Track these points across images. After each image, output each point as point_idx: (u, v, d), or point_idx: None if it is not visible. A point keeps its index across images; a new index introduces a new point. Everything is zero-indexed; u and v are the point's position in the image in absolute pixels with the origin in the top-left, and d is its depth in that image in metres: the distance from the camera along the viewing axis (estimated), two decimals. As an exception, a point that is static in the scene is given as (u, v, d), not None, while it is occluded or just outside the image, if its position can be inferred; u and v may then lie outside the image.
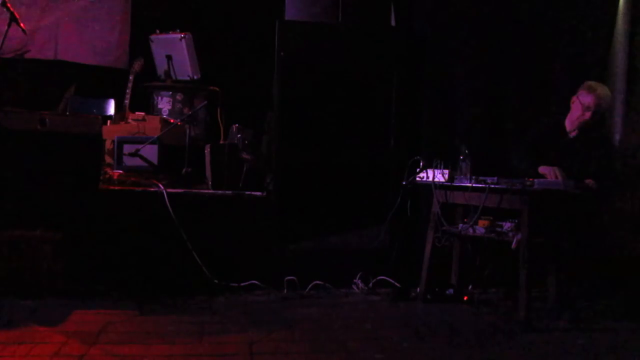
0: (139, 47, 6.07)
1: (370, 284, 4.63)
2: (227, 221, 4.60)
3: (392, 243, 4.78)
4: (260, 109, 5.58)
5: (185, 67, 5.85)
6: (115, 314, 3.77)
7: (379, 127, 4.89)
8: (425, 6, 5.10)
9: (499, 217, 4.09)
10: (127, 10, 6.36)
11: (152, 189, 4.58)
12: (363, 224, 4.81)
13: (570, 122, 4.28)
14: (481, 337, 3.62)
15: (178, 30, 5.83)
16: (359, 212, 4.80)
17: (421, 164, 4.39)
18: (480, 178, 3.97)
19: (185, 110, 5.70)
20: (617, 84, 4.86)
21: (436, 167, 4.25)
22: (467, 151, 4.17)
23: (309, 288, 4.54)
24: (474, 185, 4.00)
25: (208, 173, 4.89)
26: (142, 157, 4.93)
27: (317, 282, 4.58)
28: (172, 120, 5.44)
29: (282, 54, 4.73)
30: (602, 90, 4.21)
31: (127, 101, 5.63)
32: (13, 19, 4.98)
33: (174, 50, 5.84)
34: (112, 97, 5.96)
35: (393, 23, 5.14)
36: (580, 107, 4.21)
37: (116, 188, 4.65)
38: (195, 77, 5.87)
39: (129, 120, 5.44)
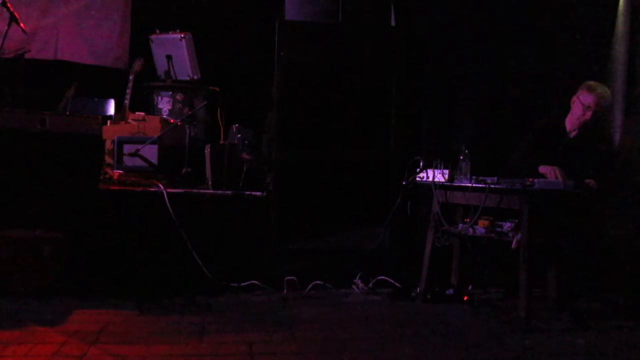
0: (139, 47, 6.07)
1: (370, 284, 4.63)
2: (227, 221, 4.60)
3: (392, 243, 4.79)
4: (260, 109, 5.58)
5: (185, 67, 5.85)
6: (115, 314, 3.77)
7: (379, 127, 4.89)
8: (425, 6, 5.10)
9: (499, 217, 4.09)
10: (127, 10, 6.36)
11: (152, 189, 4.58)
12: (363, 224, 4.81)
13: (571, 122, 4.28)
14: (481, 337, 3.62)
15: (178, 30, 5.83)
16: (359, 212, 4.80)
17: (421, 164, 4.39)
18: (480, 178, 3.97)
19: (185, 110, 5.70)
20: (617, 84, 4.86)
21: (436, 167, 4.25)
22: (467, 151, 4.17)
23: (309, 288, 4.54)
24: (474, 185, 4.00)
25: (208, 173, 4.90)
26: (142, 157, 4.93)
27: (317, 282, 4.58)
28: (172, 120, 5.44)
29: (282, 54, 4.73)
30: (603, 89, 4.22)
31: (127, 101, 5.63)
32: (13, 19, 4.97)
33: (174, 50, 5.84)
34: (112, 97, 5.96)
35: (393, 23, 5.13)
36: (580, 107, 4.21)
37: (116, 188, 4.65)
38: (195, 77, 5.87)
39: (129, 120, 5.44)
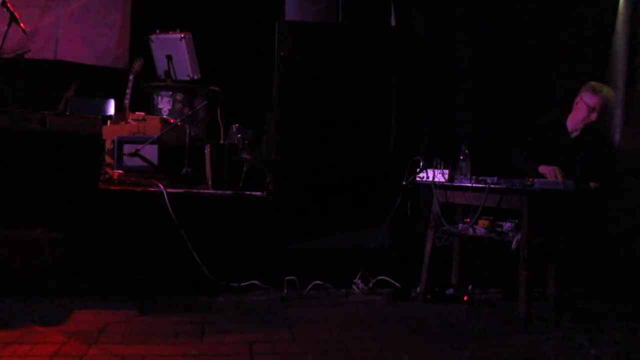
0: (139, 47, 6.07)
1: (370, 284, 4.63)
2: (227, 221, 4.60)
3: (392, 243, 4.79)
4: (260, 109, 5.58)
5: (185, 67, 5.85)
6: (115, 314, 3.77)
7: (379, 127, 4.89)
8: (425, 6, 5.10)
9: (499, 217, 4.09)
10: (127, 11, 6.36)
11: (152, 189, 4.58)
12: (363, 224, 4.81)
13: (574, 123, 4.28)
14: (481, 337, 3.62)
15: (178, 30, 5.83)
16: (359, 212, 4.80)
17: (421, 164, 4.39)
18: (480, 178, 3.97)
19: (185, 110, 5.70)
20: (617, 83, 4.86)
21: (436, 167, 4.25)
22: (467, 151, 4.18)
23: (309, 288, 4.54)
24: (474, 185, 4.00)
25: (208, 173, 4.90)
26: (142, 157, 4.92)
27: (317, 282, 4.58)
28: (172, 120, 5.44)
29: (282, 54, 4.72)
30: (607, 91, 4.22)
31: (127, 101, 5.63)
32: (13, 19, 4.98)
33: (174, 50, 5.84)
34: (112, 97, 5.96)
35: (393, 23, 5.14)
36: (585, 109, 4.20)
37: (116, 188, 4.65)
38: (195, 77, 5.86)
39: (129, 120, 5.44)
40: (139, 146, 4.92)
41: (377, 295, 4.54)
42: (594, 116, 4.18)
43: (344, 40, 4.85)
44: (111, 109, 5.94)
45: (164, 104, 5.81)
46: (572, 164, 4.12)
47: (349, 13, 5.00)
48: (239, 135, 5.11)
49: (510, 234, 3.96)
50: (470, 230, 4.16)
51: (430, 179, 4.26)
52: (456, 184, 4.16)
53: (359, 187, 4.81)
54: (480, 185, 3.96)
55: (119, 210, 4.43)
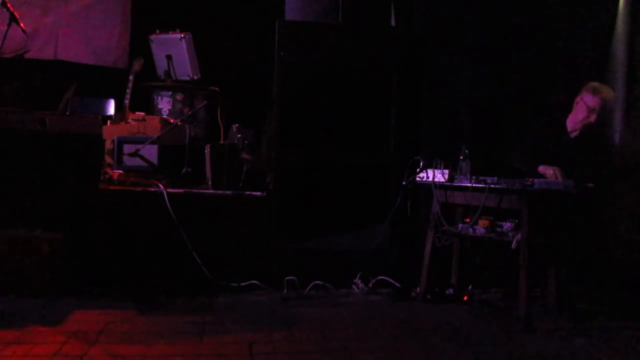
0: (139, 47, 6.07)
1: (370, 284, 4.63)
2: (227, 221, 4.60)
3: (392, 243, 4.79)
4: (260, 109, 5.58)
5: (185, 67, 5.84)
6: (115, 314, 3.76)
7: (379, 127, 4.89)
8: (425, 6, 5.10)
9: (499, 217, 4.09)
10: (127, 10, 6.36)
11: (152, 189, 4.58)
12: (363, 224, 4.80)
13: (573, 123, 4.28)
14: (481, 337, 3.62)
15: (178, 30, 5.83)
16: (359, 212, 4.79)
17: (421, 164, 4.40)
18: (480, 178, 3.97)
19: (185, 110, 5.70)
20: (617, 84, 4.86)
21: (436, 167, 4.25)
22: (467, 151, 4.18)
23: (309, 288, 4.54)
24: (474, 185, 4.00)
25: (208, 173, 4.89)
26: (142, 157, 4.92)
27: (317, 282, 4.58)
28: (172, 120, 5.44)
29: (282, 54, 4.72)
30: (608, 92, 4.21)
31: (127, 101, 5.63)
32: (13, 19, 4.97)
33: (174, 50, 5.84)
34: (112, 97, 5.96)
35: (393, 23, 5.14)
36: (585, 109, 4.20)
37: (116, 188, 4.65)
38: (195, 77, 5.86)
39: (129, 120, 5.44)
40: (139, 146, 4.91)
41: (377, 295, 4.54)
42: (593, 117, 4.18)
43: (344, 40, 4.85)
44: (111, 109, 5.94)
45: (164, 104, 5.81)
46: (572, 164, 4.11)
47: (349, 13, 4.99)
48: (239, 135, 5.11)
49: (510, 234, 3.96)
50: (470, 230, 4.16)
51: (430, 179, 4.26)
52: (456, 184, 4.16)
53: (359, 187, 4.81)
54: (480, 185, 3.96)
55: (119, 210, 4.43)
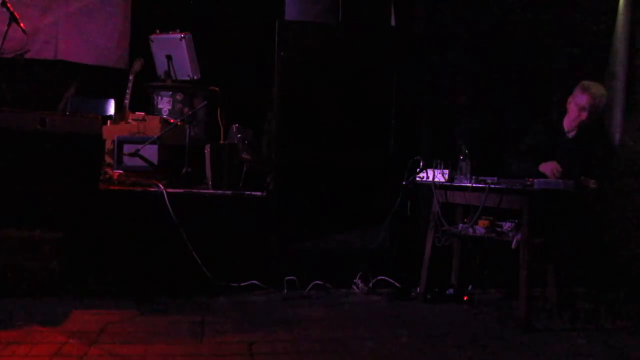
0: (139, 47, 6.06)
1: (370, 284, 4.63)
2: (227, 221, 4.60)
3: (392, 243, 4.79)
4: (260, 109, 5.58)
5: (185, 67, 5.84)
6: (115, 314, 3.77)
7: (379, 127, 4.89)
8: (425, 6, 5.10)
9: (499, 217, 4.09)
10: (127, 10, 6.36)
11: (152, 189, 4.58)
12: (363, 224, 4.80)
13: (568, 123, 4.29)
14: (481, 337, 3.62)
15: (178, 30, 5.82)
16: (358, 212, 4.80)
17: (421, 164, 4.40)
18: (480, 178, 3.98)
19: (185, 110, 5.69)
20: (617, 84, 4.86)
21: (436, 167, 4.25)
22: (467, 151, 4.18)
23: (309, 288, 4.54)
24: (474, 185, 4.01)
25: (208, 173, 4.89)
26: (142, 157, 4.92)
27: (317, 282, 4.58)
28: (172, 120, 5.44)
29: (282, 54, 4.72)
30: (596, 89, 4.21)
31: (127, 101, 5.63)
32: (13, 19, 4.97)
33: (174, 50, 5.83)
34: (112, 97, 5.95)
35: (393, 23, 5.13)
36: (576, 108, 4.21)
37: (116, 188, 4.65)
38: (195, 77, 5.86)
39: (129, 120, 5.43)
40: (139, 146, 4.91)
41: (377, 295, 4.54)
42: (584, 115, 4.18)
43: (344, 40, 4.85)
44: (111, 109, 5.93)
45: (164, 104, 5.80)
46: (571, 164, 4.12)
47: (349, 13, 4.99)
48: (239, 135, 5.11)
49: (510, 234, 3.96)
50: (470, 230, 4.16)
51: (430, 179, 4.26)
52: (456, 184, 4.16)
53: (359, 187, 4.81)
54: (480, 185, 3.96)
55: (119, 210, 4.42)
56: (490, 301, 4.44)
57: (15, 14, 4.99)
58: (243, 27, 6.25)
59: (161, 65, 5.94)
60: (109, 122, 5.59)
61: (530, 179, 3.78)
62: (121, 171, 4.91)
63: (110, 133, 5.11)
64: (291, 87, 4.77)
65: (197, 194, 4.67)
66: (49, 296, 3.98)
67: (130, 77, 5.69)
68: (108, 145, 5.07)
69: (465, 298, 4.38)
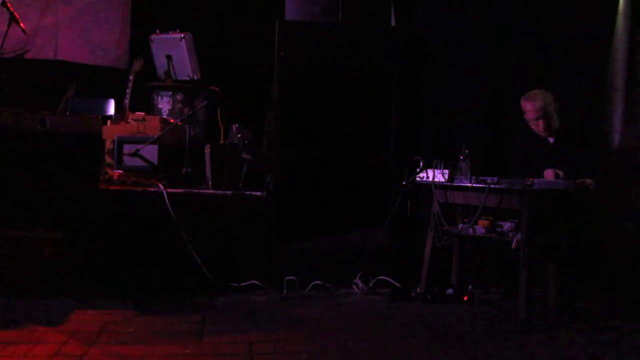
0: (139, 47, 6.06)
1: (370, 284, 4.63)
2: (227, 221, 4.60)
3: (392, 243, 4.79)
4: (260, 109, 5.58)
5: (185, 67, 5.84)
6: (115, 314, 3.77)
7: (379, 127, 4.89)
8: (425, 6, 5.10)
9: (499, 217, 4.09)
10: (127, 10, 6.36)
11: (152, 189, 4.58)
12: (363, 224, 4.81)
13: (540, 133, 4.34)
14: (481, 338, 3.62)
15: (178, 30, 5.82)
16: (359, 212, 4.80)
17: (421, 164, 4.40)
18: (480, 178, 3.98)
19: (185, 110, 5.69)
20: (617, 83, 4.86)
21: (436, 167, 4.25)
22: (467, 151, 4.18)
23: (309, 288, 4.54)
24: (474, 185, 4.01)
25: (208, 173, 4.89)
26: (142, 157, 4.92)
27: (317, 282, 4.58)
28: (172, 120, 5.44)
29: (282, 54, 4.73)
30: (532, 94, 4.28)
31: (127, 101, 5.63)
32: (13, 19, 4.97)
33: (174, 50, 5.83)
34: (112, 97, 5.95)
35: (393, 23, 5.14)
36: (531, 121, 4.30)
37: (116, 188, 4.64)
38: (195, 77, 5.86)
39: (129, 120, 5.44)
40: (139, 146, 4.91)
41: (377, 295, 4.54)
42: (541, 122, 4.26)
43: (344, 40, 4.85)
44: (111, 109, 5.93)
45: (164, 104, 5.80)
46: (560, 167, 4.13)
47: (349, 13, 4.99)
48: (239, 135, 5.11)
49: (510, 234, 3.96)
50: (470, 230, 4.16)
51: (430, 179, 4.26)
52: (456, 184, 4.17)
53: (359, 187, 4.81)
54: (480, 185, 3.96)
55: (119, 210, 4.42)
56: (490, 301, 4.44)
57: (15, 14, 4.99)
58: (243, 27, 6.25)
59: (161, 65, 5.94)
60: (109, 122, 5.59)
61: (530, 179, 3.78)
62: (121, 171, 4.92)
63: (110, 133, 5.11)
64: (291, 87, 4.77)
65: (197, 194, 4.67)
66: (49, 296, 3.98)
67: (130, 77, 5.69)
68: (108, 145, 5.07)
69: (465, 298, 4.38)
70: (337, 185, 4.78)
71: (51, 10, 6.13)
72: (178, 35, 5.79)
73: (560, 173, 4.07)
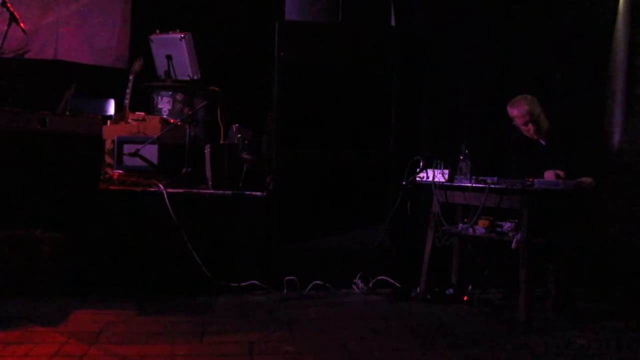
0: (139, 47, 6.06)
1: (370, 284, 4.63)
2: (227, 221, 4.60)
3: (392, 243, 4.79)
4: (260, 109, 5.58)
5: (185, 67, 5.84)
6: (115, 314, 3.77)
7: (379, 127, 4.89)
8: (425, 6, 5.10)
9: (499, 217, 4.09)
10: (127, 10, 6.35)
11: (152, 189, 4.58)
12: (363, 224, 4.80)
13: (532, 136, 4.34)
14: (481, 337, 3.62)
15: (178, 30, 5.82)
16: (359, 212, 4.80)
17: (421, 164, 4.40)
18: (480, 178, 3.98)
19: (185, 110, 5.69)
20: (617, 84, 4.86)
21: (436, 167, 4.25)
22: (467, 151, 4.18)
23: (309, 288, 4.54)
24: (474, 185, 4.01)
25: (208, 173, 4.89)
26: (142, 157, 4.92)
27: (317, 282, 4.58)
28: (172, 120, 5.44)
29: (282, 54, 4.72)
30: (515, 100, 4.30)
31: (127, 101, 5.63)
32: (13, 19, 4.97)
33: (174, 50, 5.83)
34: (112, 97, 5.95)
35: (393, 23, 5.13)
36: (520, 126, 4.32)
37: (116, 188, 4.65)
38: (195, 77, 5.86)
39: (129, 120, 5.44)
40: (139, 146, 4.91)
41: (377, 295, 4.54)
42: (531, 126, 4.26)
43: (344, 40, 4.85)
44: (111, 109, 5.93)
45: (164, 104, 5.80)
46: (555, 168, 4.14)
47: (349, 13, 4.99)
48: (239, 135, 5.11)
49: (510, 234, 3.96)
50: (470, 230, 4.16)
51: (430, 179, 4.27)
52: (456, 184, 4.17)
53: (359, 187, 4.81)
54: (480, 185, 3.96)
55: (119, 210, 4.42)
56: (490, 301, 4.44)
57: (15, 14, 4.98)
58: (243, 27, 6.25)
59: (161, 65, 5.94)
60: (109, 122, 5.59)
61: (530, 179, 3.78)
62: (121, 171, 4.92)
63: (110, 133, 5.11)
64: (291, 87, 4.77)
65: (197, 194, 4.67)
66: (49, 296, 3.98)
67: (130, 77, 5.69)
68: (108, 145, 5.07)
69: (465, 298, 4.38)
70: (337, 185, 4.78)
71: (51, 10, 6.13)
72: (178, 35, 5.79)
73: (561, 173, 4.07)
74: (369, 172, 4.84)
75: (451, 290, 4.45)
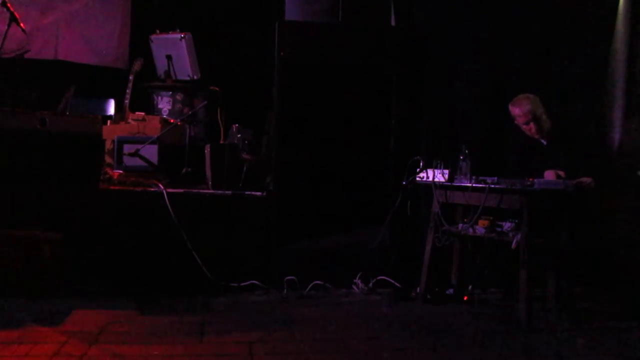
0: (139, 47, 6.07)
1: (370, 284, 4.63)
2: (227, 221, 4.60)
3: (392, 243, 4.78)
4: (260, 109, 5.58)
5: (185, 67, 5.84)
6: (115, 314, 3.77)
7: (379, 127, 4.88)
8: (425, 6, 5.10)
9: (499, 217, 4.09)
10: (127, 10, 6.36)
11: (152, 189, 4.58)
12: (363, 224, 4.80)
13: (533, 135, 4.34)
14: (481, 338, 3.62)
15: (178, 30, 5.83)
16: (359, 212, 4.79)
17: (421, 164, 4.40)
18: (480, 178, 3.98)
19: (185, 110, 5.70)
20: (617, 84, 4.86)
21: (436, 167, 4.25)
22: (467, 151, 4.18)
23: (309, 288, 4.54)
24: (474, 185, 4.00)
25: (208, 173, 4.90)
26: (142, 157, 4.92)
27: (317, 282, 4.58)
28: (172, 120, 5.44)
29: (282, 54, 4.72)
30: (517, 99, 4.32)
31: (127, 101, 5.63)
32: (13, 19, 4.97)
33: (174, 50, 5.84)
34: (112, 97, 5.96)
35: (393, 23, 5.13)
36: (522, 125, 4.33)
37: (116, 188, 4.65)
38: (195, 77, 5.86)
39: (129, 120, 5.44)
40: (139, 146, 4.91)
41: (377, 295, 4.54)
42: (532, 125, 4.28)
43: (344, 40, 4.85)
44: (111, 109, 5.94)
45: (164, 104, 5.81)
46: (556, 168, 4.14)
47: (349, 13, 4.99)
48: (239, 135, 5.11)
49: (510, 234, 3.95)
50: (470, 230, 4.16)
51: (430, 179, 4.26)
52: (456, 184, 4.16)
53: (359, 187, 4.81)
54: (480, 185, 3.96)
55: (118, 210, 4.42)
56: (490, 301, 4.44)
57: (15, 14, 4.99)
58: (243, 27, 6.26)
59: (161, 65, 5.94)
60: (109, 122, 5.60)
61: (530, 179, 3.78)
62: (121, 171, 4.92)
63: (110, 133, 5.11)
64: (291, 87, 4.77)
65: (197, 194, 4.67)
66: (49, 296, 3.98)
67: (130, 77, 5.70)
68: (108, 145, 5.07)
69: (465, 298, 4.38)
70: (337, 185, 4.78)
71: (51, 10, 6.14)
72: (178, 35, 5.80)
73: (562, 173, 4.07)
74: (369, 172, 4.84)
75: (451, 290, 4.45)
